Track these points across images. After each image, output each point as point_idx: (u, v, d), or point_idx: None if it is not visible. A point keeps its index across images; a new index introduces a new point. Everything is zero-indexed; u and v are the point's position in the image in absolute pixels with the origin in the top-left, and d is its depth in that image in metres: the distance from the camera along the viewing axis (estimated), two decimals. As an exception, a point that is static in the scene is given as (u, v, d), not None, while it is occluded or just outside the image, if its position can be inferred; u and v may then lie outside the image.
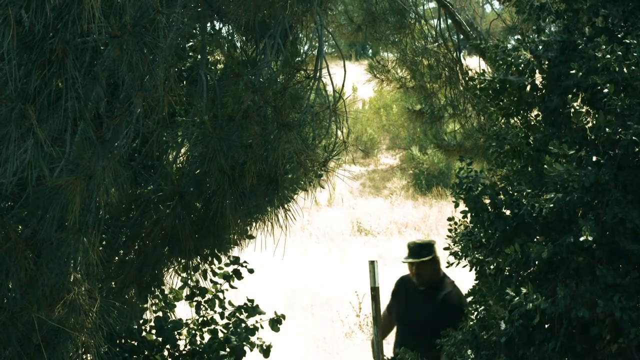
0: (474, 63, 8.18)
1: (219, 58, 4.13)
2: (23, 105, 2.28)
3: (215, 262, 5.15)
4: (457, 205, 5.23)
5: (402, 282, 6.04)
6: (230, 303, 5.56)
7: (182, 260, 3.26)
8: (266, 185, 2.95)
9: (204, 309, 5.48)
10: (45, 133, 2.33)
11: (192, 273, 4.93)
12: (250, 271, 5.56)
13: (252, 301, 5.54)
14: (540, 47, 4.93)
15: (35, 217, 2.52)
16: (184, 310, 5.63)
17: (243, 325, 5.46)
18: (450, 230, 5.23)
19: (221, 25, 3.46)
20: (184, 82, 3.58)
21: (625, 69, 4.33)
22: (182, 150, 3.21)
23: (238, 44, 3.66)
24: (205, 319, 5.46)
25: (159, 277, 3.23)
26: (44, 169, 2.34)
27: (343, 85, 3.47)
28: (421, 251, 5.76)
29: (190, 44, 4.01)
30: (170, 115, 3.10)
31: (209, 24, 3.39)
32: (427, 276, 5.82)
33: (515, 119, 5.14)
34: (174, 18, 2.63)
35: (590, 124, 4.62)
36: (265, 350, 5.33)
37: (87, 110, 2.44)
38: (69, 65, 2.23)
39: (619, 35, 4.65)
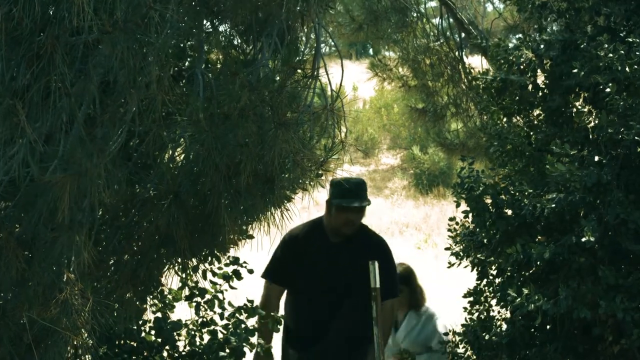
0: (476, 62, 8.14)
1: (216, 57, 4.10)
2: (11, 101, 2.25)
3: (215, 262, 5.12)
4: (458, 205, 5.20)
5: (296, 240, 4.54)
6: (230, 304, 5.53)
7: (179, 260, 3.23)
8: (262, 184, 2.92)
9: (203, 309, 5.45)
10: (37, 131, 2.30)
11: (191, 273, 4.90)
12: (250, 272, 5.52)
13: (251, 302, 5.51)
14: (542, 46, 4.90)
15: (27, 215, 2.49)
16: (183, 311, 5.60)
17: (243, 326, 5.42)
18: (450, 230, 5.20)
19: (218, 24, 3.42)
20: (182, 82, 3.55)
21: (627, 68, 4.30)
22: (178, 150, 3.18)
23: (235, 42, 3.63)
24: (204, 319, 5.42)
25: (155, 277, 3.20)
26: (33, 167, 2.31)
27: (341, 84, 3.43)
28: (365, 191, 4.53)
29: (188, 43, 3.98)
30: (166, 114, 3.07)
31: (205, 22, 3.36)
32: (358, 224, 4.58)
33: (517, 118, 5.11)
34: (168, 16, 2.59)
35: (592, 124, 4.59)
36: (266, 351, 5.29)
37: (78, 108, 2.41)
38: (58, 61, 2.20)
39: (621, 34, 4.62)
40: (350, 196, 4.37)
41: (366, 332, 4.31)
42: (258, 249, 3.66)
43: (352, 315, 4.37)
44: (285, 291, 4.64)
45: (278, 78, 3.23)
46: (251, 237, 3.78)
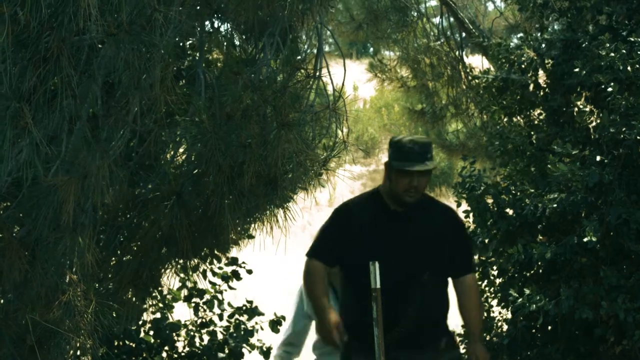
0: (476, 61, 8.13)
1: (218, 56, 4.09)
2: (18, 104, 2.25)
3: (215, 262, 5.11)
4: (459, 205, 5.19)
5: (350, 209, 3.81)
6: (229, 304, 5.53)
7: (180, 261, 3.22)
8: (265, 185, 2.91)
9: (202, 310, 5.44)
10: (41, 132, 2.29)
11: (191, 274, 4.89)
12: (249, 272, 5.52)
13: (250, 302, 5.51)
14: (543, 45, 4.90)
15: (30, 217, 2.49)
16: (182, 312, 5.59)
17: (242, 326, 5.42)
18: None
19: (220, 24, 3.42)
20: (182, 81, 3.54)
21: (629, 68, 4.30)
22: (180, 150, 3.17)
23: (237, 42, 3.62)
24: (204, 320, 5.42)
25: (157, 278, 3.19)
26: (39, 168, 2.30)
27: (343, 84, 3.42)
28: (429, 152, 3.75)
29: (189, 42, 3.97)
30: (168, 114, 3.07)
31: (207, 22, 3.35)
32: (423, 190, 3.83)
33: (518, 117, 5.11)
34: (171, 16, 2.59)
35: (594, 123, 4.58)
36: (265, 352, 5.29)
37: (83, 109, 2.40)
38: (64, 63, 2.20)
39: (623, 34, 4.61)
40: (412, 158, 3.65)
41: (444, 318, 3.81)
42: (260, 249, 3.65)
43: (426, 297, 3.70)
44: (341, 274, 3.92)
45: (280, 78, 3.23)
46: (252, 237, 3.77)
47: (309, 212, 14.66)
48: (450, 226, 3.78)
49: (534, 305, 4.30)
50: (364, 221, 3.69)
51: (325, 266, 3.74)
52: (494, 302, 4.98)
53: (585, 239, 4.19)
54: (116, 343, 5.03)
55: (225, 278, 5.44)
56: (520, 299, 4.33)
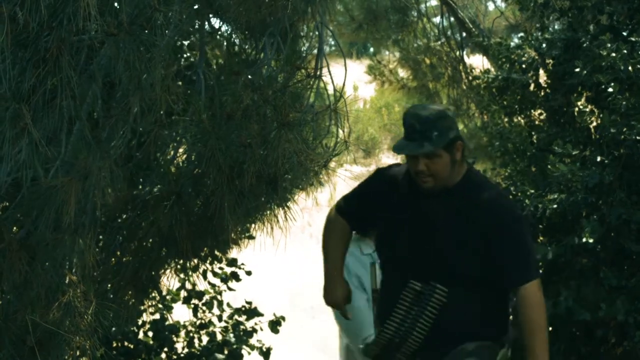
0: (477, 62, 8.12)
1: (218, 54, 4.09)
2: (17, 105, 2.24)
3: (215, 262, 5.11)
4: (459, 205, 5.18)
5: (386, 175, 3.16)
6: (228, 305, 5.52)
7: (180, 261, 3.22)
8: (265, 185, 2.90)
9: (201, 311, 5.43)
10: (40, 133, 2.29)
11: (191, 274, 4.88)
12: (248, 273, 5.52)
13: (249, 303, 5.50)
14: (544, 45, 4.89)
15: (30, 218, 2.48)
16: (181, 313, 5.58)
17: (242, 327, 5.41)
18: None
19: (220, 24, 3.41)
20: (180, 82, 3.54)
21: (630, 68, 4.29)
22: (180, 150, 3.16)
23: (237, 42, 3.62)
24: (203, 321, 5.41)
25: (156, 279, 3.19)
26: (38, 169, 2.30)
27: (344, 84, 3.41)
28: (432, 129, 2.96)
29: (188, 42, 3.96)
30: (167, 114, 3.06)
31: (207, 22, 3.35)
32: (445, 174, 3.02)
33: (519, 117, 5.10)
34: (171, 16, 2.58)
35: (594, 124, 4.58)
36: (265, 353, 5.27)
37: (83, 110, 2.40)
38: (64, 63, 2.19)
39: (624, 33, 4.61)
40: (409, 136, 2.98)
41: (466, 330, 3.02)
42: (260, 249, 3.64)
43: (446, 303, 2.98)
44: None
45: (280, 78, 3.22)
46: (252, 237, 3.76)
47: (309, 212, 14.65)
48: (486, 218, 2.96)
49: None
50: (395, 191, 3.04)
51: (347, 225, 3.17)
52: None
53: (585, 240, 4.18)
54: (115, 344, 5.03)
55: (224, 279, 5.44)
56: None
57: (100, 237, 2.97)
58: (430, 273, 3.00)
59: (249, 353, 5.38)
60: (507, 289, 3.02)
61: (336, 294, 3.19)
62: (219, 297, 5.47)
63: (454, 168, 3.03)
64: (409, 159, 3.04)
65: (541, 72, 4.95)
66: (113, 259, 3.08)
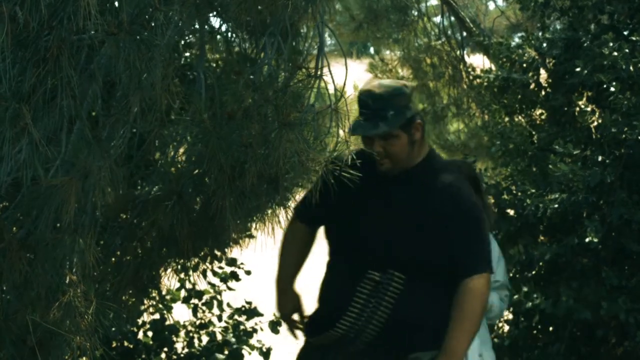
0: (477, 61, 8.12)
1: (218, 54, 4.08)
2: (17, 105, 2.24)
3: (215, 262, 5.10)
4: (459, 205, 5.18)
5: (345, 161, 2.84)
6: (228, 305, 5.51)
7: (180, 261, 3.21)
8: (266, 185, 2.90)
9: (201, 311, 5.42)
10: (40, 133, 2.28)
11: (191, 273, 4.88)
12: (248, 273, 5.51)
13: (249, 303, 5.49)
14: (545, 44, 4.89)
15: (30, 217, 2.48)
16: (181, 313, 5.57)
17: (242, 327, 5.40)
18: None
19: (221, 23, 3.41)
20: (182, 81, 3.53)
21: (631, 67, 4.29)
22: (181, 150, 3.16)
23: (237, 42, 3.61)
24: (203, 321, 5.40)
25: (156, 279, 3.18)
26: (38, 168, 2.29)
27: (344, 84, 3.41)
28: (385, 109, 2.80)
29: (188, 41, 3.96)
30: (168, 114, 3.06)
31: (207, 21, 3.34)
32: (403, 155, 2.87)
33: (520, 117, 5.10)
34: (172, 15, 2.58)
35: (595, 123, 4.58)
36: (265, 353, 5.27)
37: (83, 109, 2.39)
38: (64, 63, 2.19)
39: (625, 33, 4.61)
40: (364, 115, 2.81)
41: (420, 322, 2.86)
42: (260, 249, 3.64)
43: (403, 292, 2.82)
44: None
45: (281, 77, 3.22)
46: (252, 236, 3.76)
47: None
48: (443, 206, 2.82)
49: (530, 303, 4.30)
50: (355, 177, 2.77)
51: (307, 229, 3.04)
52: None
53: (586, 240, 4.18)
54: (114, 344, 5.02)
55: (224, 279, 5.43)
56: (517, 295, 4.34)
57: (100, 236, 2.97)
58: (386, 260, 2.85)
59: (250, 353, 5.37)
60: (458, 279, 2.83)
61: (285, 307, 3.16)
62: (218, 297, 5.46)
63: (413, 149, 2.86)
64: (364, 140, 2.89)
65: (542, 71, 4.95)
66: (113, 259, 3.07)
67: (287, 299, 3.15)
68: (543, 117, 4.99)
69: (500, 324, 4.99)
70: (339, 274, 2.99)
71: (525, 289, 4.36)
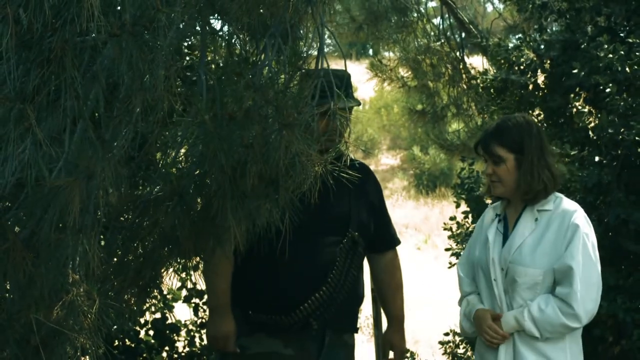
0: (477, 62, 8.16)
1: (218, 55, 4.11)
2: (22, 105, 2.26)
3: (216, 262, 5.12)
4: (458, 206, 5.21)
5: None
6: (229, 304, 5.53)
7: (182, 261, 3.24)
8: (267, 185, 2.92)
9: (202, 310, 5.44)
10: (44, 133, 2.31)
11: (192, 272, 4.91)
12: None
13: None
14: (542, 46, 4.92)
15: (34, 218, 2.50)
16: (182, 312, 5.59)
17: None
18: (446, 229, 5.23)
19: (222, 24, 3.44)
20: (184, 82, 3.56)
21: (628, 69, 4.32)
22: (182, 151, 3.19)
23: (238, 43, 3.64)
24: (204, 320, 5.42)
25: (158, 278, 3.21)
26: (42, 168, 2.32)
27: (344, 84, 3.44)
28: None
29: (189, 42, 3.99)
30: (170, 115, 3.08)
31: (209, 23, 3.37)
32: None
33: (517, 118, 5.13)
34: (174, 17, 2.60)
35: (592, 124, 4.61)
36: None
37: (86, 110, 2.42)
38: (67, 64, 2.22)
39: (622, 35, 4.64)
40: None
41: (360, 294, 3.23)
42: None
43: (344, 267, 3.09)
44: None
45: (282, 79, 3.24)
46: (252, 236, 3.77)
47: (309, 213, 14.63)
48: (374, 190, 3.29)
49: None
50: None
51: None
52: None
53: (587, 239, 4.20)
54: (116, 343, 5.05)
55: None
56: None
57: (102, 236, 3.00)
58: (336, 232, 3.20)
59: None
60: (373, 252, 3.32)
61: (227, 328, 3.33)
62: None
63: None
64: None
65: (539, 73, 4.98)
66: (115, 259, 3.10)
67: (229, 320, 3.34)
68: (540, 118, 5.02)
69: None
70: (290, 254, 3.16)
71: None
